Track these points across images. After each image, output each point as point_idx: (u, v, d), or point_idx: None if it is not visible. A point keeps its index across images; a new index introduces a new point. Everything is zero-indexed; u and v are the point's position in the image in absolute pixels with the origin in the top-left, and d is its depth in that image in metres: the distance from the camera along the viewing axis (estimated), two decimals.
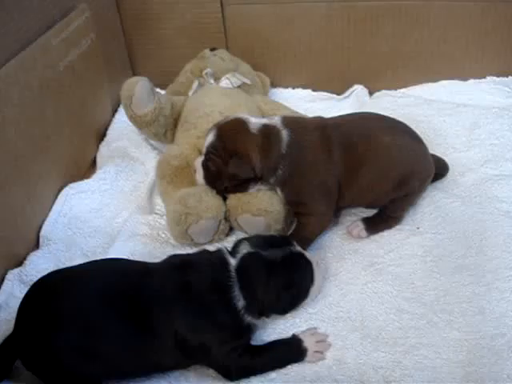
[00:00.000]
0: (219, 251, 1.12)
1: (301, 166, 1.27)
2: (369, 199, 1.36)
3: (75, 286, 1.06)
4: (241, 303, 1.07)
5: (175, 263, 1.13)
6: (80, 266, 1.12)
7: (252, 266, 1.08)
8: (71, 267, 1.13)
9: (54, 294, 1.05)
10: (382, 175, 1.31)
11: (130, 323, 1.04)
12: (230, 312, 1.07)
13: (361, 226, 1.36)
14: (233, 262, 1.09)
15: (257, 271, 1.07)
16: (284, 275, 1.09)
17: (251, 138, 1.27)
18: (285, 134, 1.27)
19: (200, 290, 1.07)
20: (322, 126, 1.31)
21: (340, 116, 1.40)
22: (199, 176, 1.34)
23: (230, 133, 1.29)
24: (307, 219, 1.31)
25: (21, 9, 1.36)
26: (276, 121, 1.30)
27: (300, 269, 1.13)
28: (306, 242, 1.31)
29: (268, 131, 1.28)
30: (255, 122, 1.29)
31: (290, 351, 1.11)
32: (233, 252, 1.12)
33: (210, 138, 1.30)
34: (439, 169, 1.43)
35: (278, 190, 1.32)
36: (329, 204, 1.31)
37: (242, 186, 1.32)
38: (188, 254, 1.20)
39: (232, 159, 1.26)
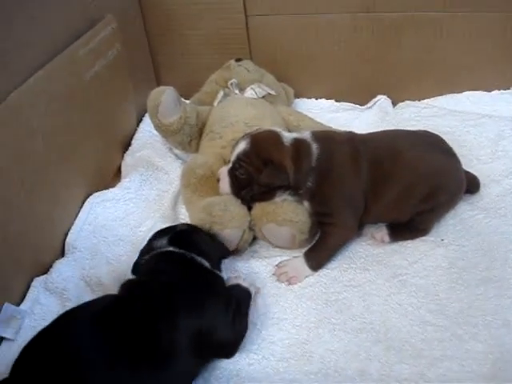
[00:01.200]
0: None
1: (329, 179, 1.29)
2: (394, 215, 1.35)
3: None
4: (206, 264, 1.17)
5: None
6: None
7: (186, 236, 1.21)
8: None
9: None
10: (408, 190, 1.31)
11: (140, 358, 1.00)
12: (209, 272, 1.16)
13: (385, 230, 1.36)
14: (172, 248, 1.16)
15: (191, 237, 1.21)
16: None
17: (285, 149, 1.29)
18: (315, 147, 1.29)
19: (183, 277, 1.12)
20: (350, 140, 1.32)
21: (369, 133, 1.41)
22: (224, 185, 1.35)
23: (265, 142, 1.30)
24: (331, 229, 1.31)
25: (49, 20, 1.38)
26: (306, 135, 1.32)
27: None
28: (328, 253, 1.32)
29: (299, 144, 1.30)
30: (287, 135, 1.32)
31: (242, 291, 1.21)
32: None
33: (242, 146, 1.31)
34: (471, 185, 1.42)
35: (306, 202, 1.33)
36: (354, 217, 1.32)
37: (269, 194, 1.33)
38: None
39: (267, 167, 1.27)
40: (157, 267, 1.14)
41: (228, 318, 1.11)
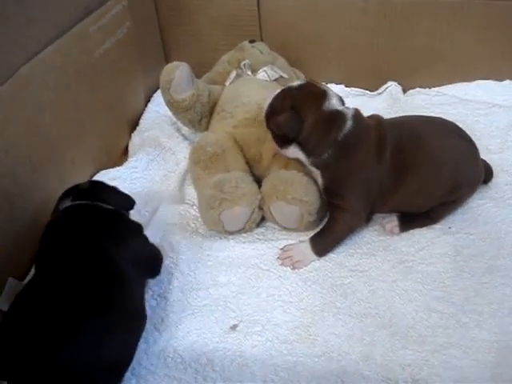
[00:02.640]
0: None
1: (350, 158, 1.26)
2: (418, 204, 1.33)
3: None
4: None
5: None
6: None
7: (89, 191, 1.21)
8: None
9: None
10: (431, 180, 1.29)
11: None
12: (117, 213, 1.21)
13: (395, 222, 1.35)
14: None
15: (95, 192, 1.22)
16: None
17: (318, 111, 1.25)
18: (349, 124, 1.25)
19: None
20: (378, 124, 1.29)
21: (394, 118, 1.39)
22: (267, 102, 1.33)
23: (306, 98, 1.27)
24: (339, 214, 1.29)
25: None
26: (348, 110, 1.27)
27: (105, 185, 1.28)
28: (335, 240, 1.32)
29: (336, 115, 1.26)
30: (333, 103, 1.27)
31: None
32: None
33: (295, 85, 1.30)
34: (485, 174, 1.40)
35: (319, 175, 1.31)
36: (365, 204, 1.29)
37: (284, 141, 1.31)
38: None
39: (288, 112, 1.26)
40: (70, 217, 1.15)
41: (147, 242, 1.22)
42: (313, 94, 1.28)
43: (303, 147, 1.28)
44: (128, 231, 1.20)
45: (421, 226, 1.35)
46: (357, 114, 1.28)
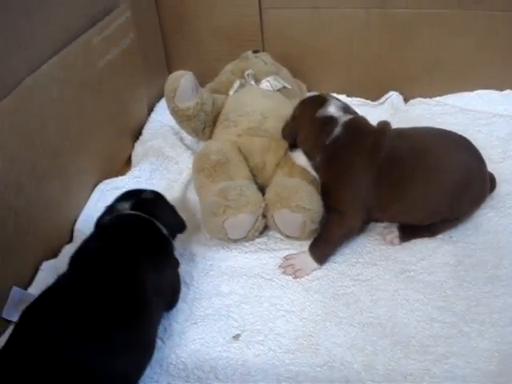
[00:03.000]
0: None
1: (338, 161, 1.30)
2: (418, 217, 1.33)
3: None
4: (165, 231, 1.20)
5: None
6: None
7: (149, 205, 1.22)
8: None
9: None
10: (431, 194, 1.29)
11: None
12: (165, 238, 1.21)
13: (396, 233, 1.35)
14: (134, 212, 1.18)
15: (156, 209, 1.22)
16: (167, 204, 1.29)
17: (312, 119, 1.34)
18: (338, 130, 1.29)
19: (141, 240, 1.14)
20: (381, 132, 1.30)
21: (404, 128, 1.38)
22: None
23: (303, 106, 1.39)
24: (333, 216, 1.31)
25: (65, 7, 1.39)
26: (340, 116, 1.32)
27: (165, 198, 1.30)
28: (330, 245, 1.32)
29: (327, 121, 1.31)
30: (329, 110, 1.33)
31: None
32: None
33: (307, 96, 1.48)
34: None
35: (315, 172, 1.36)
36: (359, 206, 1.30)
37: (290, 147, 1.43)
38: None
39: (287, 121, 1.42)
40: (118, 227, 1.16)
41: (176, 276, 1.23)
42: (312, 103, 1.37)
43: (303, 151, 1.35)
44: (167, 262, 1.20)
45: (420, 236, 1.35)
46: (352, 120, 1.32)
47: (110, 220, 1.18)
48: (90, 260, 1.07)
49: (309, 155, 1.35)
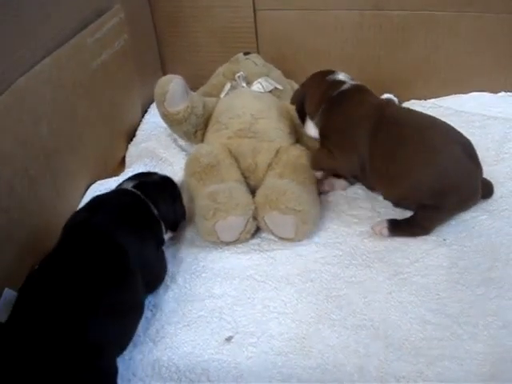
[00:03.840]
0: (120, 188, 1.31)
1: (340, 110, 1.39)
2: (400, 189, 1.35)
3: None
4: (156, 212, 1.27)
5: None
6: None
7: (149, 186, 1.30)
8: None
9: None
10: (415, 170, 1.30)
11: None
12: (155, 219, 1.27)
13: (385, 224, 1.36)
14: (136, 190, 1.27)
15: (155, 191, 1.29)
16: (169, 190, 1.35)
17: (320, 83, 1.45)
18: (346, 86, 1.41)
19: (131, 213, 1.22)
20: (386, 100, 1.42)
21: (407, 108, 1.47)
22: None
23: (314, 75, 1.50)
24: (324, 150, 1.41)
25: (58, 8, 1.38)
26: (348, 82, 1.43)
27: (174, 186, 1.38)
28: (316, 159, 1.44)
29: (336, 82, 1.43)
30: (339, 76, 1.46)
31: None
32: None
33: None
34: (485, 192, 1.39)
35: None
36: (347, 152, 1.37)
37: (301, 118, 1.51)
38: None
39: (300, 87, 1.54)
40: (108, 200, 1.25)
41: (159, 258, 1.29)
42: (322, 72, 1.49)
43: (310, 114, 1.46)
44: (150, 239, 1.24)
45: (411, 234, 1.35)
46: (361, 84, 1.43)
47: (104, 194, 1.28)
48: (77, 229, 1.15)
49: (314, 111, 1.43)
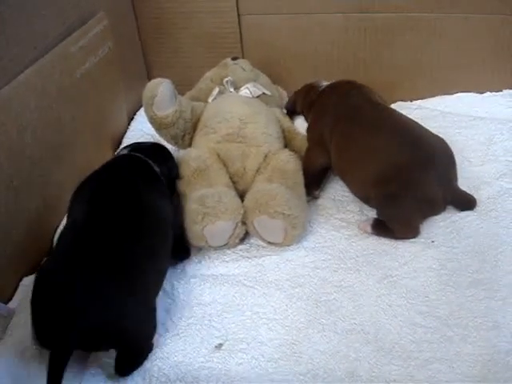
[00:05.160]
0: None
1: (316, 105, 1.57)
2: (353, 181, 1.46)
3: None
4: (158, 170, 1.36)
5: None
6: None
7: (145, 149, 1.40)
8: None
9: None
10: (367, 155, 1.38)
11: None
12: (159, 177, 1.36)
13: (370, 221, 1.38)
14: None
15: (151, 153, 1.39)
16: (162, 151, 1.46)
17: (300, 92, 1.66)
18: (323, 87, 1.60)
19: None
20: (345, 94, 1.52)
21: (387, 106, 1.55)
22: None
23: (303, 85, 1.68)
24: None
25: (41, 16, 1.37)
26: (324, 84, 1.62)
27: (164, 148, 1.50)
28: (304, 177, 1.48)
29: (320, 86, 1.61)
30: (324, 83, 1.62)
31: None
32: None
33: None
34: (464, 205, 1.40)
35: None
36: (315, 142, 1.53)
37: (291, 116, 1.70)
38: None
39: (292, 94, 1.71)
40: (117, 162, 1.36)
41: (176, 214, 1.35)
42: (311, 82, 1.65)
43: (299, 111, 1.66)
44: (163, 192, 1.33)
45: (391, 235, 1.36)
46: (338, 81, 1.59)
47: (110, 160, 1.36)
48: (101, 189, 1.22)
49: (303, 112, 1.64)
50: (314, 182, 1.52)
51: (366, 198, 1.43)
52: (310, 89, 1.62)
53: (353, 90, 1.53)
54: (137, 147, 1.41)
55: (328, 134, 1.47)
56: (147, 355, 1.14)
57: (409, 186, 1.33)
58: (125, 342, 1.06)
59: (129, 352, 1.11)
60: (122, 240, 1.10)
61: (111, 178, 1.26)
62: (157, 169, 1.35)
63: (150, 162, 1.35)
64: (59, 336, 0.97)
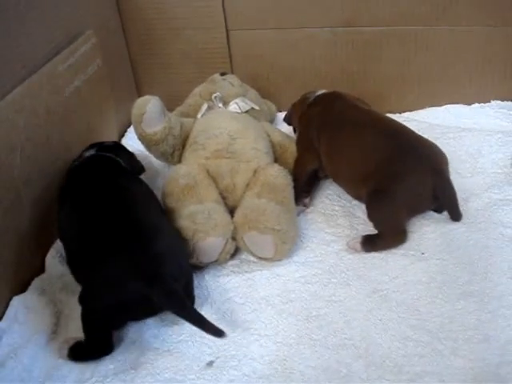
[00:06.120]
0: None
1: (305, 115, 1.62)
2: (344, 180, 1.50)
3: None
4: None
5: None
6: None
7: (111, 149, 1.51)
8: None
9: None
10: (353, 160, 1.44)
11: None
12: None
13: (358, 239, 1.38)
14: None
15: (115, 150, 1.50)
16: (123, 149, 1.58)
17: (296, 104, 1.70)
18: (313, 97, 1.64)
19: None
20: (330, 103, 1.58)
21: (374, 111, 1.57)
22: None
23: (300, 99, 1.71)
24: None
25: (28, 35, 1.38)
26: (315, 95, 1.65)
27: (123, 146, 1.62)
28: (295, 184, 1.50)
29: (312, 97, 1.65)
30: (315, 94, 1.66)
31: None
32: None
33: None
34: (449, 203, 1.40)
35: None
36: (306, 148, 1.57)
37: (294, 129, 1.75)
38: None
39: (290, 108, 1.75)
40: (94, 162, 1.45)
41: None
42: (306, 94, 1.69)
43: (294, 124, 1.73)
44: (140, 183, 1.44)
45: (382, 246, 1.37)
46: (320, 95, 1.64)
47: (82, 160, 1.46)
48: (81, 190, 1.34)
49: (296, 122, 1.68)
50: (304, 189, 1.55)
51: (359, 197, 1.46)
52: (302, 101, 1.67)
53: (338, 99, 1.57)
54: (102, 147, 1.50)
55: (316, 140, 1.51)
56: None
57: (392, 178, 1.34)
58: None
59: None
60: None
61: (97, 179, 1.37)
62: (124, 165, 1.47)
63: (119, 159, 1.46)
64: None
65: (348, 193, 1.51)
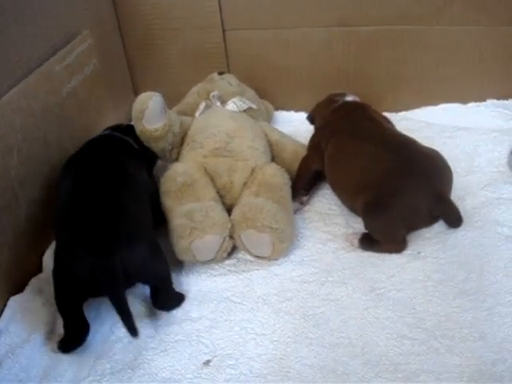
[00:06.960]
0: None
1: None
2: (340, 189, 1.49)
3: None
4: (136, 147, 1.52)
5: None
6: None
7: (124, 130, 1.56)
8: None
9: None
10: (350, 171, 1.42)
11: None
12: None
13: (357, 235, 1.39)
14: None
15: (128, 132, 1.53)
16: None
17: (329, 106, 1.65)
18: (336, 105, 1.63)
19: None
20: (349, 112, 1.58)
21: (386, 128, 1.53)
22: None
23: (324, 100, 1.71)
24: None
25: (24, 36, 1.38)
26: (342, 101, 1.64)
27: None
28: (295, 180, 1.54)
29: (329, 103, 1.66)
30: (346, 98, 1.66)
31: None
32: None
33: None
34: (449, 221, 1.39)
35: None
36: (313, 150, 1.57)
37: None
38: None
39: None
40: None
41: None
42: (331, 95, 1.70)
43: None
44: (143, 165, 1.50)
45: (380, 248, 1.37)
46: (350, 103, 1.63)
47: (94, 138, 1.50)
48: (87, 163, 1.37)
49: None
50: (304, 186, 1.56)
51: (353, 208, 1.44)
52: (327, 104, 1.66)
53: (359, 110, 1.57)
54: (116, 128, 1.56)
55: (324, 144, 1.50)
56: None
57: (389, 193, 1.33)
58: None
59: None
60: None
61: (98, 153, 1.41)
62: (135, 146, 1.50)
63: (130, 139, 1.50)
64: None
65: (343, 203, 1.49)
